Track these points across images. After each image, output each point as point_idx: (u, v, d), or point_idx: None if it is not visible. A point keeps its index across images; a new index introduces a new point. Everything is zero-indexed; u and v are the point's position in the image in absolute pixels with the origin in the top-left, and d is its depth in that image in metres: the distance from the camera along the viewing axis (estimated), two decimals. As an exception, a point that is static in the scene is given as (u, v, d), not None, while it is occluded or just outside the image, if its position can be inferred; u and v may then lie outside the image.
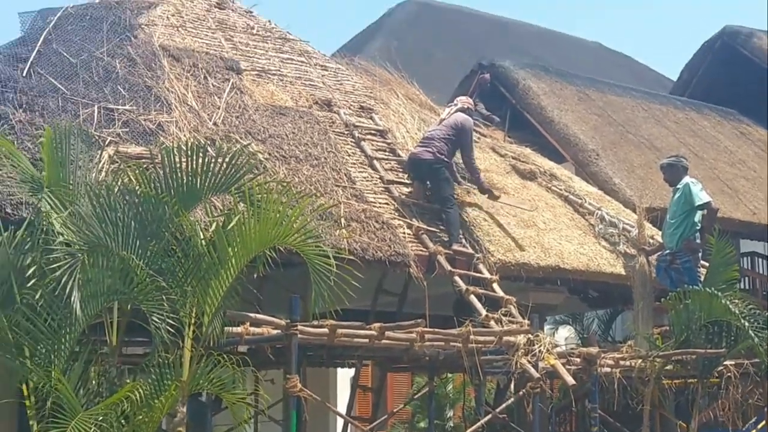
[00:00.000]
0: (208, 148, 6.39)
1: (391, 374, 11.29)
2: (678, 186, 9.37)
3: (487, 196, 9.46)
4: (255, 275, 6.15)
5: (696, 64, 18.43)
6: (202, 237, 5.87)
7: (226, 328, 6.13)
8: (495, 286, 8.40)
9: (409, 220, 8.70)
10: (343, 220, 7.97)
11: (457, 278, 8.30)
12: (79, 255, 5.36)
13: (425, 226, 8.70)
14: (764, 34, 17.40)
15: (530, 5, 52.28)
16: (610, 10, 53.98)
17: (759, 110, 17.19)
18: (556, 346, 8.10)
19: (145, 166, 6.47)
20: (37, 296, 5.41)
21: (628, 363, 8.18)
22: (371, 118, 10.54)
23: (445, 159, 9.08)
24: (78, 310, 5.26)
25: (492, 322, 7.73)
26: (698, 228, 9.25)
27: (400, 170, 9.59)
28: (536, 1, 53.12)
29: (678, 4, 56.65)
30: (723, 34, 17.77)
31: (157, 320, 5.47)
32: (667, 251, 9.26)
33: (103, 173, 6.74)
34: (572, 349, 8.92)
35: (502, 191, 10.04)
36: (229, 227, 5.86)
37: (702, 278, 9.00)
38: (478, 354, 7.07)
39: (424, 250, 8.43)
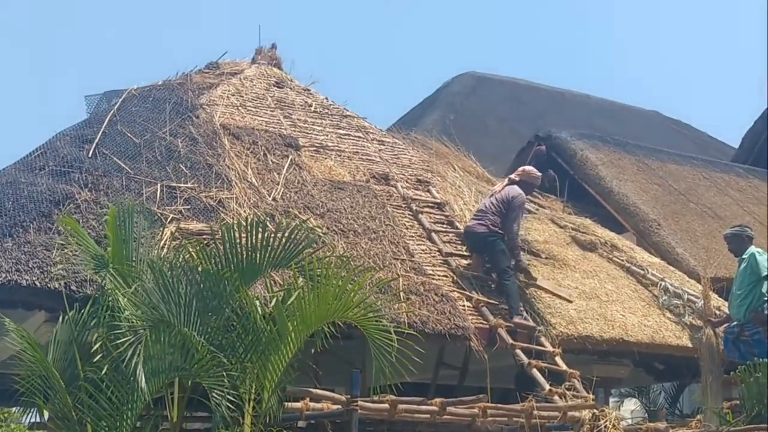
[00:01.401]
0: (268, 224, 6.48)
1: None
2: (743, 256, 9.15)
3: (523, 276, 9.14)
4: (313, 350, 6.14)
5: (757, 131, 18.13)
6: (261, 312, 5.90)
7: (285, 403, 6.11)
8: (557, 359, 8.26)
9: (468, 293, 8.65)
10: (402, 294, 7.95)
11: (518, 351, 8.18)
12: (142, 331, 5.42)
13: (485, 299, 8.63)
14: (827, 100, 17.12)
15: (587, 76, 52.47)
16: (667, 78, 53.95)
17: (824, 176, 16.79)
18: (623, 420, 7.86)
19: (206, 242, 6.58)
20: (102, 372, 5.46)
21: (697, 439, 7.87)
22: (428, 191, 10.59)
23: (499, 231, 9.00)
24: (143, 385, 5.30)
25: (556, 397, 7.58)
26: (766, 299, 8.98)
27: (459, 243, 9.57)
28: (593, 72, 53.29)
29: (735, 70, 56.27)
30: (784, 99, 17.53)
31: (217, 396, 5.48)
32: (735, 323, 9.00)
33: (165, 250, 6.86)
34: (639, 424, 8.63)
35: (563, 263, 9.94)
36: (288, 302, 5.89)
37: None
38: (542, 430, 6.91)
39: (485, 322, 8.35)
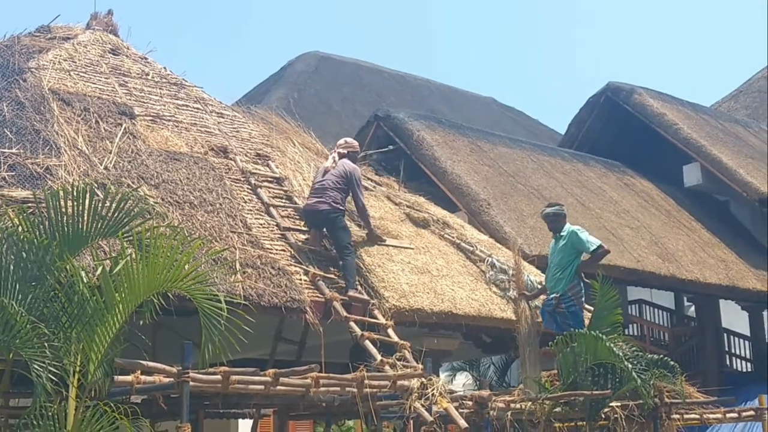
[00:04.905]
0: (97, 192, 6.28)
1: (292, 423, 11.14)
2: (562, 233, 9.67)
3: (376, 239, 9.60)
4: (141, 322, 6.01)
5: (582, 119, 19.16)
6: (86, 281, 5.72)
7: (116, 377, 5.95)
8: (390, 331, 8.45)
9: (305, 267, 8.71)
10: (238, 266, 7.91)
11: (352, 324, 8.32)
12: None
13: (321, 273, 8.72)
14: (644, 91, 18.30)
15: (428, 61, 53.74)
16: (503, 66, 56.12)
17: (641, 162, 18.02)
18: (452, 392, 8.16)
19: (31, 210, 6.31)
20: None
21: (518, 406, 8.30)
22: (268, 165, 10.55)
23: (341, 207, 9.15)
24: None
25: (387, 367, 7.75)
26: (582, 274, 9.57)
27: (297, 217, 9.61)
28: (434, 58, 54.59)
29: (564, 61, 59.21)
30: (607, 90, 18.57)
31: (38, 368, 5.28)
32: (552, 296, 9.52)
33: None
34: (466, 393, 9.00)
35: (397, 238, 10.17)
36: (115, 271, 5.74)
37: (587, 322, 9.29)
38: (372, 399, 7.06)
39: (321, 296, 8.44)
